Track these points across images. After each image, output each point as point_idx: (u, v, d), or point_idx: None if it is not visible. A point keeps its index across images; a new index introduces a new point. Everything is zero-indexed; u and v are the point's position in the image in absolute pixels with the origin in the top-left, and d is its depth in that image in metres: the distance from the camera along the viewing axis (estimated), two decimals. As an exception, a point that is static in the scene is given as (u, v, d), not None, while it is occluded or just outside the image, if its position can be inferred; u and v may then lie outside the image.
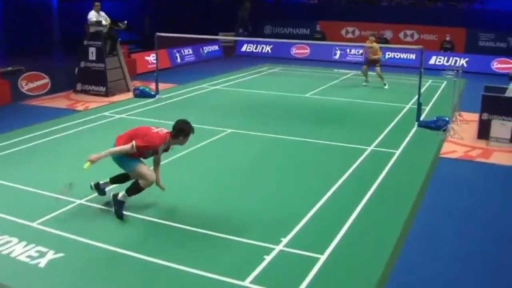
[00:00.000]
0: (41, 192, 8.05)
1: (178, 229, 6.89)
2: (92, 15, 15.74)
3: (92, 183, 7.64)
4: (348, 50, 24.01)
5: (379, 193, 8.26)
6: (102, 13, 15.92)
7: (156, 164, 7.36)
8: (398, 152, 10.31)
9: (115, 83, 15.89)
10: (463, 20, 24.82)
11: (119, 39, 16.50)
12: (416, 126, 12.20)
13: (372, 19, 26.05)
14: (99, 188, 7.63)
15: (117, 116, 13.10)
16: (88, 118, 12.81)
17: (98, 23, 15.66)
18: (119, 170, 7.38)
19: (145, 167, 7.07)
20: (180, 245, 6.52)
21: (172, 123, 7.03)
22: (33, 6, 27.21)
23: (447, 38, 23.73)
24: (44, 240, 6.54)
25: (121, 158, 7.00)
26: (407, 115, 13.40)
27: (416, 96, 12.88)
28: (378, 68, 17.12)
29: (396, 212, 7.55)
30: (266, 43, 25.76)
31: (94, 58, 15.65)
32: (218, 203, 7.88)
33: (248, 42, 26.23)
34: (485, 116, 11.25)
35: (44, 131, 11.51)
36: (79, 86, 15.89)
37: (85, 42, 15.79)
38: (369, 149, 10.51)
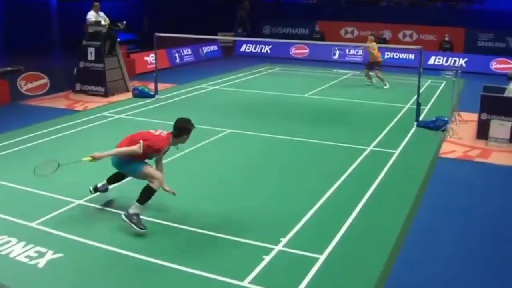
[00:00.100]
0: (40, 192, 8.04)
1: (177, 230, 6.89)
2: (91, 15, 15.73)
3: (91, 188, 7.63)
4: (347, 50, 24.01)
5: (378, 193, 8.26)
6: (101, 13, 15.91)
7: (159, 170, 7.19)
8: (397, 152, 10.31)
9: (114, 83, 15.88)
10: (462, 20, 24.83)
11: (118, 39, 16.50)
12: (415, 126, 12.20)
13: (371, 19, 26.06)
14: (99, 190, 7.63)
15: (116, 116, 13.10)
16: (87, 118, 12.81)
17: (97, 23, 15.65)
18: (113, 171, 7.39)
19: (152, 167, 6.99)
20: (179, 245, 6.51)
21: (172, 123, 7.02)
22: (32, 6, 27.21)
23: (446, 38, 23.74)
24: (43, 240, 6.54)
25: (125, 162, 6.87)
26: (406, 115, 13.40)
27: (415, 96, 12.89)
28: (377, 72, 17.14)
29: (395, 212, 7.55)
30: (265, 43, 25.75)
31: (93, 58, 15.64)
32: (217, 203, 7.87)
33: (247, 42, 26.22)
34: (484, 116, 11.26)
35: (43, 131, 11.50)
36: (78, 86, 15.88)
37: (84, 42, 15.79)
38: (369, 149, 10.52)
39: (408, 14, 26.25)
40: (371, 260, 6.21)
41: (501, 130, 10.88)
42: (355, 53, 23.74)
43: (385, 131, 11.91)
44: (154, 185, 6.73)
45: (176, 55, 22.52)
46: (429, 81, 17.88)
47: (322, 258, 6.18)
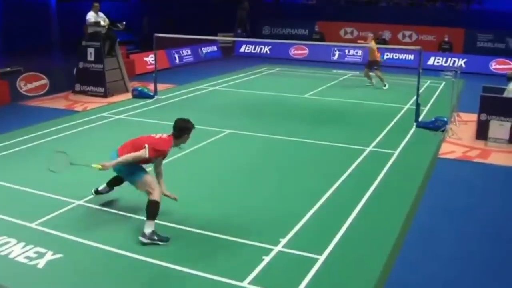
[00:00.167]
0: (40, 193, 8.05)
1: (176, 230, 6.89)
2: (91, 16, 15.72)
3: (93, 190, 7.62)
4: (346, 51, 24.03)
5: (377, 193, 8.27)
6: (101, 14, 15.91)
7: (159, 175, 7.14)
8: (396, 153, 10.32)
9: (114, 84, 15.88)
10: (462, 20, 24.85)
11: (118, 40, 16.50)
12: (414, 126, 12.21)
13: (371, 19, 26.06)
14: (101, 193, 7.61)
15: (116, 116, 13.10)
16: (86, 118, 12.81)
17: (97, 23, 15.65)
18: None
19: (152, 177, 6.85)
20: (178, 246, 6.51)
21: (171, 123, 7.00)
22: (31, 7, 27.22)
23: (446, 39, 23.75)
24: (43, 241, 6.54)
25: (126, 169, 6.78)
26: (406, 115, 13.41)
27: (415, 97, 12.90)
28: (377, 71, 17.16)
29: (395, 213, 7.56)
30: (264, 44, 25.77)
31: (92, 58, 15.64)
32: (217, 204, 7.88)
33: (246, 43, 26.22)
34: (483, 116, 11.26)
35: (43, 131, 11.50)
36: (77, 87, 15.88)
37: (84, 43, 15.79)
38: (368, 149, 10.52)
39: (407, 14, 26.26)
40: (370, 260, 6.21)
41: (501, 130, 10.88)
42: (355, 53, 23.77)
43: (385, 131, 11.92)
44: (154, 197, 6.59)
45: (176, 55, 22.53)
46: (429, 81, 17.89)
47: (321, 258, 6.18)
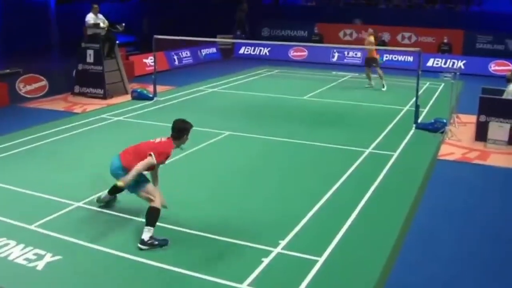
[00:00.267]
0: (39, 195, 8.03)
1: (176, 232, 6.88)
2: (90, 18, 15.72)
3: (96, 199, 7.57)
4: (346, 53, 24.04)
5: (377, 195, 8.26)
6: (100, 16, 15.91)
7: (155, 179, 7.11)
8: (396, 154, 10.32)
9: (113, 86, 15.88)
10: (461, 22, 24.85)
11: (117, 42, 16.50)
12: (414, 128, 12.21)
13: (370, 21, 26.00)
14: (104, 201, 7.53)
15: (115, 118, 13.09)
16: (86, 120, 12.80)
17: (96, 25, 15.65)
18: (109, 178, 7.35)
19: (152, 185, 6.82)
20: (178, 247, 6.50)
21: (170, 125, 6.97)
22: (31, 8, 27.23)
23: (445, 40, 23.76)
24: (42, 242, 6.53)
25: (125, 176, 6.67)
26: (405, 117, 13.41)
27: (414, 98, 12.90)
28: (378, 70, 17.19)
29: (394, 214, 7.56)
30: (264, 46, 25.77)
31: (92, 60, 15.64)
32: (216, 205, 7.87)
33: (246, 45, 26.23)
34: (482, 118, 11.27)
35: (42, 133, 11.50)
36: (77, 89, 15.89)
37: (83, 45, 15.80)
38: (367, 151, 10.52)
39: (406, 16, 26.28)
40: (370, 262, 6.21)
41: (500, 132, 10.88)
42: (354, 55, 23.78)
43: (384, 133, 11.92)
44: (155, 204, 6.57)
45: (175, 57, 22.54)
46: (428, 83, 17.89)
47: (321, 260, 6.17)
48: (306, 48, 24.83)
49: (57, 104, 14.81)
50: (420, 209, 7.84)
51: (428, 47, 23.31)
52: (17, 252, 6.28)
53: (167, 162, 6.82)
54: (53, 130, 11.77)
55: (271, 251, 6.35)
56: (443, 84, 17.36)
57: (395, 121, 13.09)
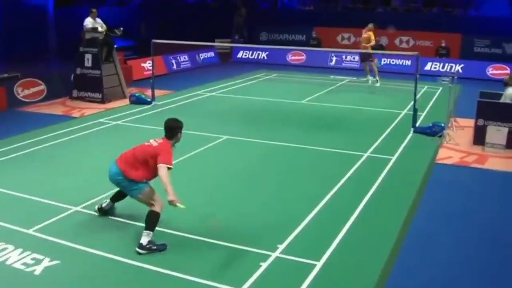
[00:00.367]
0: (37, 199, 8.02)
1: (174, 236, 6.88)
2: (88, 22, 15.73)
3: (96, 207, 7.51)
4: (344, 57, 24.06)
5: (375, 199, 8.27)
6: (98, 20, 15.92)
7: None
8: (394, 158, 10.32)
9: (111, 90, 15.88)
10: (459, 26, 24.88)
11: (115, 46, 16.52)
12: (412, 132, 12.22)
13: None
14: (105, 209, 7.45)
15: (113, 122, 13.09)
16: (84, 124, 12.80)
17: (94, 29, 15.66)
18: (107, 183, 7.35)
19: (152, 189, 6.77)
20: (176, 252, 6.50)
21: (169, 130, 6.99)
22: (29, 13, 27.22)
23: (443, 44, 23.79)
24: (40, 247, 6.52)
25: (126, 181, 6.66)
26: (403, 121, 13.42)
27: (412, 102, 12.92)
28: (373, 64, 17.27)
29: (393, 218, 7.56)
30: (262, 50, 25.77)
31: (90, 64, 15.65)
32: (215, 209, 7.86)
33: (244, 49, 26.24)
34: (480, 122, 11.29)
35: (40, 137, 11.49)
36: (75, 93, 15.89)
37: (81, 49, 15.80)
38: (366, 155, 10.52)
39: (404, 20, 26.30)
40: (368, 265, 6.21)
41: (498, 136, 10.89)
42: (352, 59, 23.79)
43: (382, 137, 11.93)
44: (156, 208, 6.57)
45: (173, 61, 22.54)
46: (426, 87, 17.92)
47: (319, 264, 6.17)
48: (304, 52, 24.84)
49: (55, 108, 14.81)
50: (418, 212, 7.85)
51: (426, 51, 23.32)
52: (15, 257, 6.27)
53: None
54: (51, 135, 11.76)
55: (269, 256, 6.35)
56: (441, 88, 17.39)
57: (393, 125, 13.10)
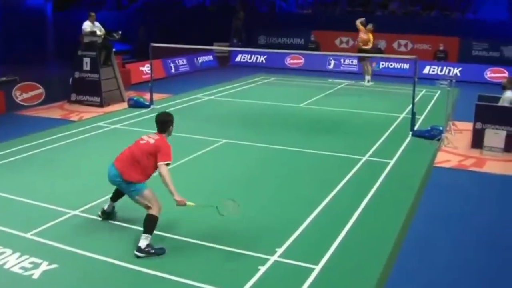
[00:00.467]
0: (35, 203, 8.01)
1: (173, 240, 6.87)
2: (87, 25, 15.75)
3: (100, 212, 7.47)
4: (342, 60, 24.11)
5: (374, 202, 8.27)
6: (97, 23, 15.94)
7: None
8: (392, 162, 10.33)
9: (110, 93, 15.89)
10: (457, 29, 24.94)
11: (114, 49, 16.52)
12: (410, 135, 12.23)
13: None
14: (108, 212, 7.43)
15: (112, 126, 13.09)
16: (82, 128, 12.79)
17: (93, 33, 15.68)
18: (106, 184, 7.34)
19: (151, 191, 6.74)
20: (175, 256, 6.49)
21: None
22: (27, 16, 27.21)
23: (441, 48, 23.86)
24: (38, 251, 6.51)
25: (125, 182, 6.64)
26: (401, 124, 13.44)
27: (410, 106, 12.94)
28: (367, 62, 17.38)
29: (391, 221, 7.56)
30: (260, 53, 25.82)
31: (88, 68, 15.66)
32: (213, 213, 7.83)
33: (242, 52, 26.28)
34: (478, 125, 11.30)
35: (38, 141, 11.48)
36: (73, 96, 15.89)
37: (80, 53, 15.81)
38: (364, 158, 10.53)
39: (402, 23, 26.36)
40: (367, 269, 6.21)
41: (496, 139, 10.91)
42: (350, 62, 23.84)
43: (381, 140, 11.93)
44: (154, 211, 6.55)
45: (172, 65, 22.57)
46: (424, 90, 17.95)
47: (318, 268, 6.17)
48: (303, 56, 24.87)
49: (54, 112, 14.80)
50: (416, 216, 7.85)
51: (424, 55, 23.39)
52: (13, 261, 6.26)
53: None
54: (49, 138, 11.75)
55: (267, 259, 6.35)
56: (439, 92, 17.42)
57: (391, 128, 13.12)
